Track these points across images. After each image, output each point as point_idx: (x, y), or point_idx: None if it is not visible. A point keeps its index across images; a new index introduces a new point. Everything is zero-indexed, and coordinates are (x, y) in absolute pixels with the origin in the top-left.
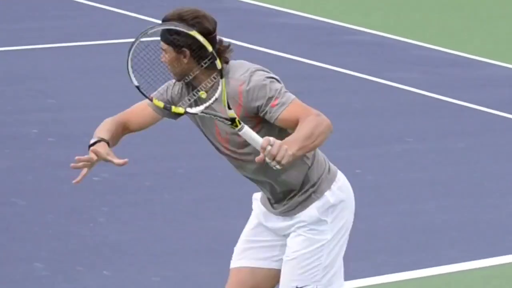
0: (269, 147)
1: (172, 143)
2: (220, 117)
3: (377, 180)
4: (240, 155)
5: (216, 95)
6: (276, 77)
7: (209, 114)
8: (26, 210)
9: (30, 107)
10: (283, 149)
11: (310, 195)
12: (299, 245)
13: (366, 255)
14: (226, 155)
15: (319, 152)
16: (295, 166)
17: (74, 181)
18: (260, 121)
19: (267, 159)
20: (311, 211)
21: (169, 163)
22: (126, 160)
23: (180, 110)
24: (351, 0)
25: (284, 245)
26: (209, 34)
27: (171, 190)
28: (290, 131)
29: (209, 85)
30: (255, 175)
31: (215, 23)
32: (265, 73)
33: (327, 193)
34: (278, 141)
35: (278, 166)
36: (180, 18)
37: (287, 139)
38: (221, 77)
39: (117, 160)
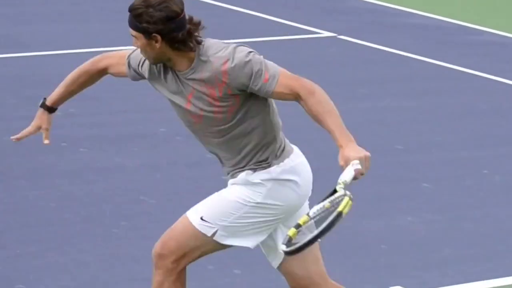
0: (358, 166)
1: None
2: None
3: (506, 181)
4: (209, 133)
5: (201, 75)
6: (252, 49)
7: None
8: (155, 209)
9: (158, 106)
10: (364, 159)
11: (257, 168)
12: (229, 190)
13: (497, 255)
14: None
15: (274, 129)
16: (253, 142)
17: (13, 137)
18: (245, 98)
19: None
20: (255, 175)
21: None
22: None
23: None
24: (476, 0)
25: None
26: (178, 17)
27: None
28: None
29: (189, 66)
30: (215, 148)
31: (182, 3)
32: (245, 47)
33: (273, 168)
34: (355, 155)
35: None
36: (147, 5)
37: (339, 141)
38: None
39: (46, 141)
